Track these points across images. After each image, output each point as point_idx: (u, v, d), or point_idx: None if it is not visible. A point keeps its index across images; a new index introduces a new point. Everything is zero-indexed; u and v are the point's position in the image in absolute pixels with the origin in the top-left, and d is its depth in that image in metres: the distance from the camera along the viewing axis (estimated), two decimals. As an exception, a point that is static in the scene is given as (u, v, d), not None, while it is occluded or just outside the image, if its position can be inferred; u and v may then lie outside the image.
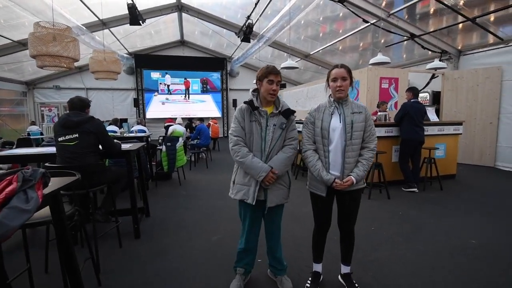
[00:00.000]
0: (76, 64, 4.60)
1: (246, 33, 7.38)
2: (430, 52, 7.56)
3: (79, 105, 2.57)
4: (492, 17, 5.58)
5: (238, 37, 8.28)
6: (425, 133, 4.51)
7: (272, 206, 1.85)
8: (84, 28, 7.30)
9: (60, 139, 2.43)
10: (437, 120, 5.58)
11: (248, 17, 7.31)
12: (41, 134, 9.15)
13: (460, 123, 5.24)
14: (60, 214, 1.54)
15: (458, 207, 3.76)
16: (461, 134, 5.27)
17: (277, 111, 1.84)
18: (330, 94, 1.90)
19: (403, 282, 2.10)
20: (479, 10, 5.55)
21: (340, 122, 1.81)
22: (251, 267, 2.07)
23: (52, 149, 2.75)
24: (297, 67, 7.01)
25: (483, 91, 6.26)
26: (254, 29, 7.52)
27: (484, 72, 6.20)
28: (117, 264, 2.36)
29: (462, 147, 5.71)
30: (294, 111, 1.91)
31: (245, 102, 1.86)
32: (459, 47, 6.99)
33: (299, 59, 10.79)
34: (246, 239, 1.96)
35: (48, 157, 2.70)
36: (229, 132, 1.89)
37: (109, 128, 5.99)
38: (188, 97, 13.48)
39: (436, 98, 7.27)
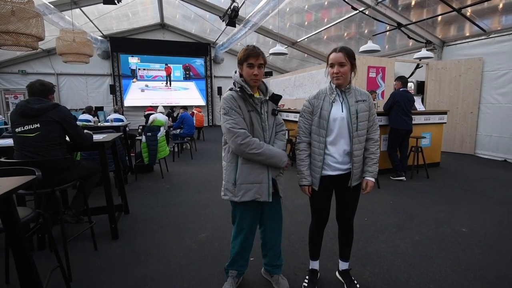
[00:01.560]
0: (44, 46, 4.13)
1: (232, 16, 6.99)
2: (410, 43, 7.65)
3: (41, 90, 2.21)
4: (472, 9, 5.63)
5: (223, 21, 7.85)
6: (413, 122, 4.52)
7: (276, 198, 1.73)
8: (52, 6, 6.61)
9: (18, 129, 2.08)
10: (424, 109, 5.61)
11: (234, 0, 6.91)
12: (5, 124, 8.39)
13: (444, 112, 5.31)
14: (13, 221, 1.26)
15: (445, 195, 3.80)
16: (445, 123, 5.35)
17: (267, 97, 1.68)
18: (331, 80, 1.70)
19: (402, 275, 2.05)
20: (465, 1, 5.56)
21: (342, 111, 1.64)
22: (245, 268, 1.91)
23: (10, 141, 2.39)
24: (286, 53, 6.78)
25: (465, 81, 6.39)
26: (240, 13, 7.13)
27: (466, 63, 6.32)
28: (91, 271, 2.10)
29: (444, 135, 5.81)
30: (281, 96, 1.79)
31: (232, 89, 1.61)
32: (443, 38, 7.05)
33: (286, 46, 10.52)
34: (244, 241, 1.78)
35: (5, 151, 2.34)
36: (229, 126, 1.56)
37: (82, 117, 5.51)
38: (170, 84, 12.87)
39: (420, 87, 7.36)
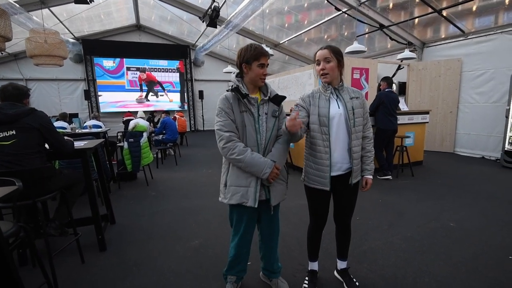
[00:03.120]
0: (10, 50, 3.83)
1: (212, 17, 6.87)
2: (389, 45, 7.85)
3: (15, 94, 2.03)
4: (451, 11, 5.84)
5: (203, 21, 7.70)
6: (398, 122, 4.61)
7: (276, 204, 1.66)
8: (17, 5, 6.18)
9: (-9, 137, 1.90)
10: (407, 109, 5.75)
11: (214, 0, 6.83)
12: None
13: (427, 112, 5.45)
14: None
15: (430, 191, 3.92)
16: (427, 122, 5.48)
17: (267, 98, 1.62)
18: None
19: (398, 270, 2.08)
20: (446, 2, 5.74)
21: (339, 108, 1.63)
22: (244, 273, 1.86)
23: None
24: (272, 55, 6.77)
25: (445, 81, 6.56)
26: (220, 14, 7.05)
27: (446, 64, 6.50)
28: (80, 285, 1.96)
29: (426, 135, 5.92)
30: (285, 96, 1.71)
31: (229, 90, 1.57)
32: (423, 39, 7.25)
33: (269, 47, 10.56)
34: (240, 245, 1.73)
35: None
36: (216, 128, 1.56)
37: (57, 124, 5.17)
38: (157, 96, 12.27)
39: (402, 88, 7.55)
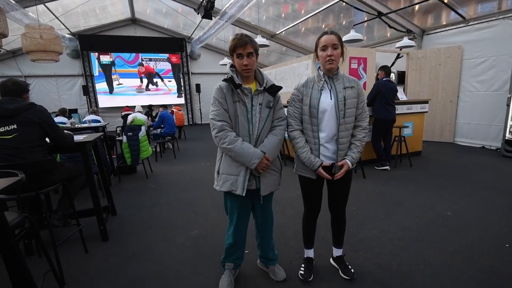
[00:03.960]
0: (8, 47, 3.85)
1: (207, 8, 6.80)
2: (389, 34, 7.62)
3: (15, 89, 2.08)
4: None
5: (198, 13, 7.63)
6: (396, 112, 4.53)
7: (266, 194, 1.69)
8: (13, 1, 6.14)
9: (-7, 132, 1.95)
10: (406, 99, 5.60)
11: (209, -9, 6.76)
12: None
13: (426, 102, 5.34)
14: (1, 226, 1.20)
15: (429, 182, 3.91)
16: (427, 112, 5.38)
17: (262, 88, 1.62)
18: (319, 67, 1.70)
19: (393, 258, 2.11)
20: None
21: (331, 98, 1.63)
22: (241, 261, 1.92)
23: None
24: (267, 45, 6.70)
25: (445, 70, 6.40)
26: (215, 5, 6.99)
27: (446, 52, 6.33)
28: (84, 273, 2.04)
29: (424, 124, 5.79)
30: (281, 87, 1.70)
31: (224, 80, 1.60)
32: (423, 27, 7.05)
33: (265, 39, 10.49)
34: (235, 232, 1.77)
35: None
36: (210, 117, 1.60)
37: (56, 119, 5.22)
38: (157, 85, 12.53)
39: (400, 77, 7.40)
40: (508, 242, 2.28)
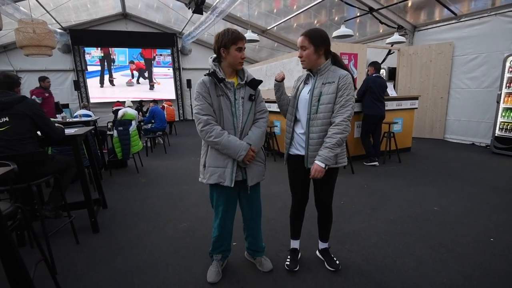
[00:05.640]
0: (0, 42, 3.81)
1: (198, 3, 6.80)
2: (381, 30, 7.61)
3: (7, 82, 2.12)
4: None
5: (189, 8, 7.61)
6: (385, 108, 4.56)
7: (253, 184, 1.75)
8: (3, -5, 6.05)
9: (-15, 125, 1.99)
10: (396, 95, 5.63)
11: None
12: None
13: (416, 98, 5.34)
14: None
15: (417, 177, 3.95)
16: (416, 108, 5.39)
17: (243, 82, 1.69)
18: None
19: (378, 251, 2.16)
20: None
21: (308, 93, 1.70)
22: (228, 253, 1.98)
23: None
24: (257, 40, 6.73)
25: (436, 66, 6.39)
26: (207, 0, 6.98)
27: (437, 48, 6.30)
28: (75, 263, 2.10)
29: (415, 121, 5.71)
30: (261, 81, 1.76)
31: (206, 74, 1.65)
32: (414, 23, 6.98)
33: (257, 34, 10.50)
34: (221, 225, 1.81)
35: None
36: (195, 112, 1.65)
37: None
38: (151, 80, 12.56)
39: (391, 74, 7.37)
40: (492, 236, 2.34)
